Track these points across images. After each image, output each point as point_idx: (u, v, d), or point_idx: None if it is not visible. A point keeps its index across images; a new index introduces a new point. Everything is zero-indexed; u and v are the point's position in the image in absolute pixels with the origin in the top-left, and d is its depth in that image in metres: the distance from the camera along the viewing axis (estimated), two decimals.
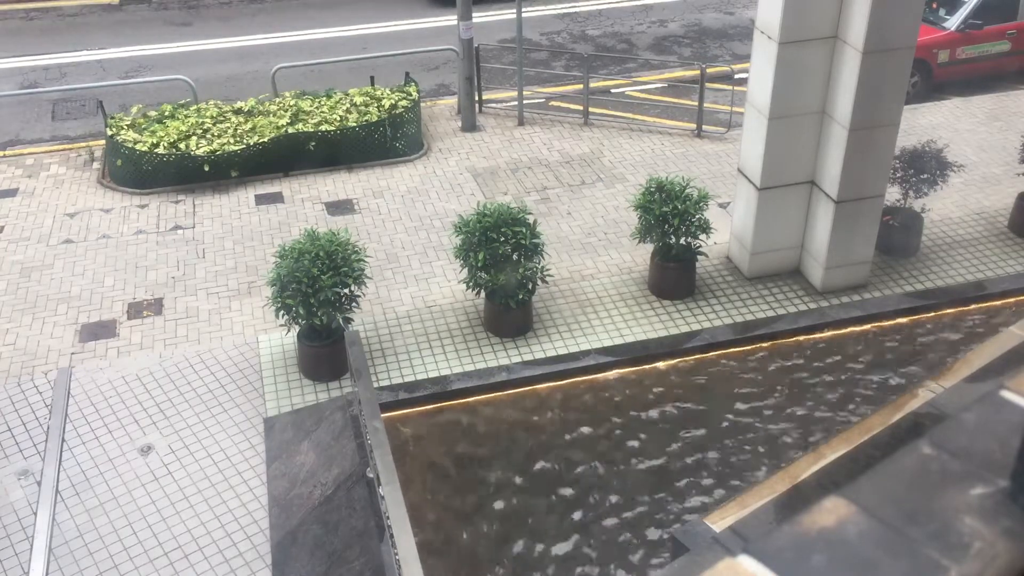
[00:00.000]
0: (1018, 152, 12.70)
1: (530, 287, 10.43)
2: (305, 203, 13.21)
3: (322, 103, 14.30)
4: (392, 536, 7.06)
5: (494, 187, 13.57)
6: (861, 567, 5.52)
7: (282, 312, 9.75)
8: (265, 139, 13.53)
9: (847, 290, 11.26)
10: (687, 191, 10.73)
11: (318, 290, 9.52)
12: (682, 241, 10.95)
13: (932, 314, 11.05)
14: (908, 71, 10.30)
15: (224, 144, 13.46)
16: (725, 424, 9.69)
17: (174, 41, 18.91)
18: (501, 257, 10.14)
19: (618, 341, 10.57)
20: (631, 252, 11.96)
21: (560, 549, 8.45)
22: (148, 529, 8.55)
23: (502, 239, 10.09)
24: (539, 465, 9.26)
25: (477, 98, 15.47)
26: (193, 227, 12.68)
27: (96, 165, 14.14)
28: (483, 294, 10.59)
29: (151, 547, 8.39)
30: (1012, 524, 5.58)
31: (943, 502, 5.81)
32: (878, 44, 9.86)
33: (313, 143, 13.72)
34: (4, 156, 14.65)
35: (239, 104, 14.29)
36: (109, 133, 13.63)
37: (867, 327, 10.87)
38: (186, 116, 13.92)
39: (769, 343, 10.65)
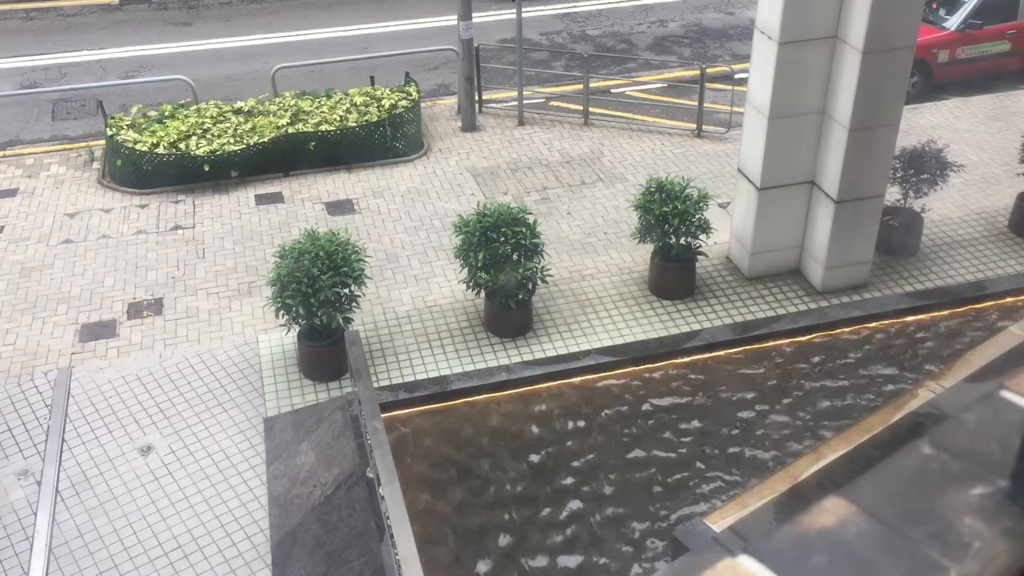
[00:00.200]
0: (1018, 152, 12.71)
1: (530, 287, 10.43)
2: (305, 203, 13.21)
3: (322, 103, 14.30)
4: (392, 536, 7.06)
5: (494, 187, 13.58)
6: (861, 567, 5.52)
7: (282, 312, 9.75)
8: (265, 139, 13.53)
9: (847, 290, 11.26)
10: (687, 191, 10.74)
11: (318, 290, 9.52)
12: (682, 241, 10.95)
13: (932, 314, 11.05)
14: (908, 71, 10.30)
15: (224, 144, 13.46)
16: (725, 424, 9.68)
17: (174, 41, 18.91)
18: (501, 257, 10.14)
19: (618, 341, 10.57)
20: (631, 252, 11.96)
21: (559, 548, 8.45)
22: (148, 529, 8.55)
23: (502, 239, 10.09)
24: (539, 465, 9.25)
25: (477, 98, 15.47)
26: (193, 227, 12.68)
27: (96, 165, 14.14)
28: (483, 294, 10.59)
29: (151, 547, 8.39)
30: (1012, 524, 5.58)
31: (943, 502, 5.81)
32: (878, 44, 9.86)
33: (313, 143, 13.72)
34: (4, 156, 14.66)
35: (239, 104, 14.29)
36: (109, 133, 13.63)
37: (867, 327, 10.87)
38: (186, 116, 13.92)
39: (769, 343, 10.64)
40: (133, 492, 8.89)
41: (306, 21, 19.74)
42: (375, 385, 9.63)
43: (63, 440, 9.44)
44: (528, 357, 10.36)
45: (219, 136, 13.59)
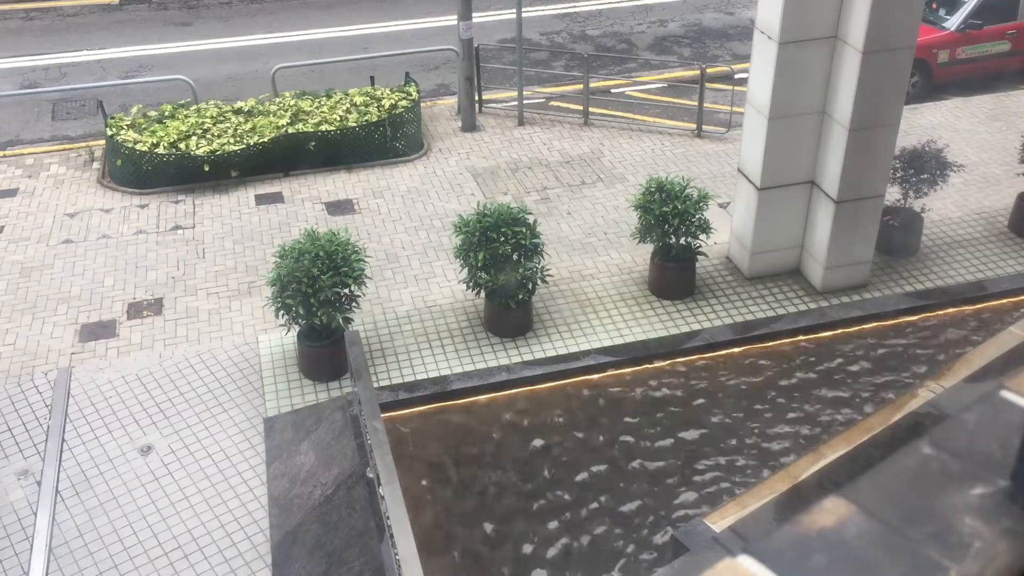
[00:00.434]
0: (1018, 152, 12.71)
1: (530, 287, 10.43)
2: (305, 203, 13.22)
3: (322, 103, 14.31)
4: (392, 536, 7.06)
5: (494, 187, 13.58)
6: (861, 567, 5.52)
7: (282, 312, 9.76)
8: (265, 139, 13.53)
9: (847, 290, 11.26)
10: (687, 191, 10.74)
11: (318, 290, 9.52)
12: (682, 241, 10.95)
13: (932, 314, 11.05)
14: (908, 71, 10.30)
15: (224, 144, 13.46)
16: (725, 424, 9.68)
17: (174, 41, 18.91)
18: (501, 257, 10.15)
19: (618, 341, 10.57)
20: (631, 252, 11.96)
21: (559, 548, 8.45)
22: (148, 529, 8.55)
23: (502, 239, 10.09)
24: (539, 465, 9.25)
25: (477, 98, 15.47)
26: (193, 227, 12.68)
27: (96, 165, 14.14)
28: (483, 294, 10.59)
29: (151, 547, 8.39)
30: (1012, 524, 5.58)
31: (943, 502, 5.81)
32: (878, 44, 9.86)
33: (313, 143, 13.73)
34: (4, 156, 14.66)
35: (239, 104, 14.29)
36: (109, 133, 13.63)
37: (867, 327, 10.87)
38: (186, 116, 13.92)
39: (769, 343, 10.64)
40: (133, 492, 8.89)
41: (306, 21, 19.74)
42: (375, 385, 9.63)
43: (63, 440, 9.44)
44: (528, 357, 10.36)
45: (219, 136, 13.59)
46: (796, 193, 11.10)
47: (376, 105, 14.27)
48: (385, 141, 14.09)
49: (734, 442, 9.48)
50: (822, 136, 10.74)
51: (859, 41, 9.87)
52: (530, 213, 10.66)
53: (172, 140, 13.42)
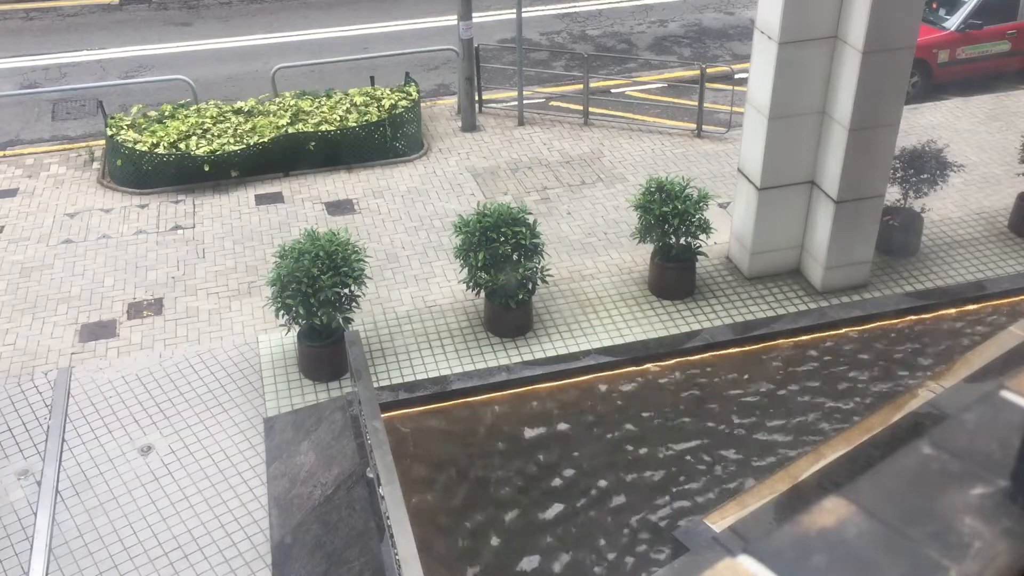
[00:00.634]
0: (1018, 152, 12.71)
1: (530, 287, 10.43)
2: (305, 203, 13.22)
3: (322, 103, 14.31)
4: (392, 536, 7.06)
5: (494, 187, 13.58)
6: (861, 567, 5.53)
7: (282, 312, 9.76)
8: (265, 139, 13.53)
9: (847, 290, 11.26)
10: (687, 191, 10.74)
11: (318, 290, 9.52)
12: (682, 241, 10.95)
13: (932, 314, 11.05)
14: (908, 71, 10.30)
15: (224, 144, 13.46)
16: (725, 424, 9.68)
17: (174, 41, 18.91)
18: (501, 257, 10.15)
19: (618, 341, 10.57)
20: (631, 252, 11.96)
21: (558, 547, 8.45)
22: (148, 529, 8.55)
23: (502, 239, 10.10)
24: (539, 464, 9.25)
25: (477, 98, 15.47)
26: (193, 227, 12.68)
27: (96, 165, 14.14)
28: (483, 294, 10.59)
29: (151, 547, 8.39)
30: (1012, 524, 5.58)
31: (943, 502, 5.81)
32: (878, 44, 9.86)
33: (313, 143, 13.73)
34: (4, 156, 14.66)
35: (239, 104, 14.29)
36: (109, 133, 13.63)
37: (867, 327, 10.87)
38: (186, 116, 13.92)
39: (769, 343, 10.65)
40: (133, 492, 8.89)
41: (306, 21, 19.74)
42: (375, 385, 9.63)
43: (63, 440, 9.44)
44: (528, 357, 10.36)
45: (219, 136, 13.59)
46: (796, 193, 11.11)
47: (376, 105, 14.27)
48: (385, 141, 14.09)
49: (734, 442, 9.48)
50: (822, 136, 10.74)
51: (859, 41, 9.87)
52: (530, 213, 10.66)
53: (172, 140, 13.42)
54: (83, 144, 14.84)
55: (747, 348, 10.57)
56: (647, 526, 8.62)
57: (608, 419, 9.73)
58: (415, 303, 11.21)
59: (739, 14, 19.98)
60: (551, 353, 10.42)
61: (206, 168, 13.34)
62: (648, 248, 11.44)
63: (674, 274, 11.14)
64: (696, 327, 10.78)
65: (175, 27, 19.64)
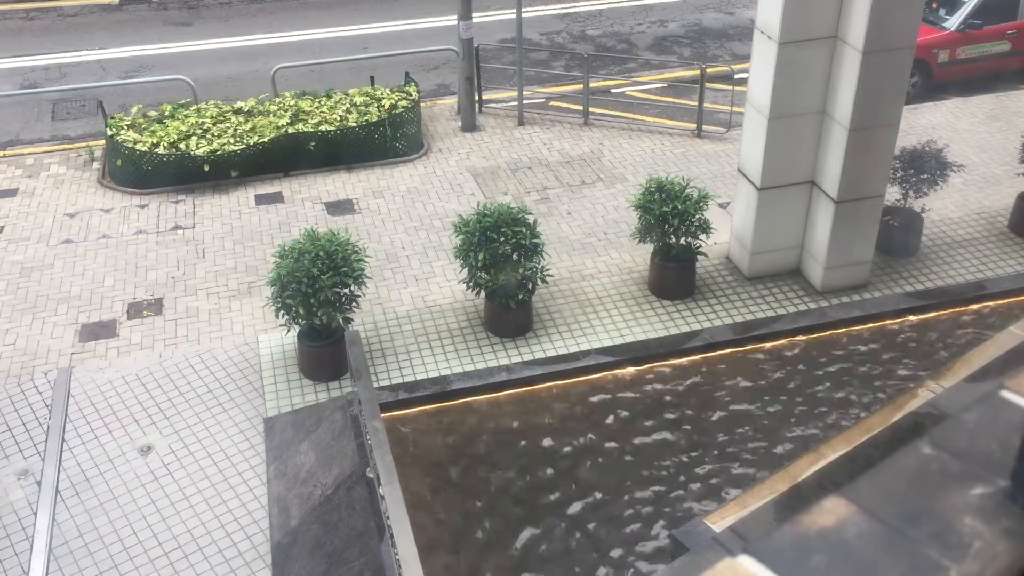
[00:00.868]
0: (1018, 152, 12.71)
1: (530, 287, 10.43)
2: (305, 203, 13.22)
3: (322, 103, 14.30)
4: (392, 536, 7.06)
5: (494, 187, 13.58)
6: (861, 567, 5.52)
7: (282, 312, 9.76)
8: (265, 139, 13.53)
9: (847, 290, 11.26)
10: (687, 191, 10.74)
11: (318, 290, 9.52)
12: (682, 241, 10.95)
13: (932, 314, 11.04)
14: (908, 71, 10.30)
15: (224, 144, 13.46)
16: (724, 424, 9.68)
17: (174, 41, 18.91)
18: (501, 257, 10.15)
19: (618, 341, 10.57)
20: (631, 252, 11.96)
21: (558, 547, 8.45)
22: (148, 529, 8.55)
23: (502, 239, 10.09)
24: (539, 464, 9.25)
25: (477, 98, 15.47)
26: (193, 227, 12.68)
27: (96, 165, 14.14)
28: (483, 294, 10.59)
29: (151, 547, 8.39)
30: (1012, 524, 5.58)
31: (943, 502, 5.81)
32: (878, 44, 9.86)
33: (313, 143, 13.73)
34: (4, 156, 14.66)
35: (239, 104, 14.29)
36: (109, 133, 13.63)
37: (867, 327, 10.87)
38: (186, 116, 13.92)
39: (769, 343, 10.64)
40: (133, 492, 8.90)
41: (306, 21, 19.74)
42: (375, 385, 9.63)
43: (63, 440, 9.44)
44: (528, 357, 10.36)
45: (219, 136, 13.59)
46: (796, 193, 11.10)
47: (376, 105, 14.27)
48: (385, 141, 14.09)
49: (733, 441, 9.48)
50: (822, 136, 10.74)
51: (859, 41, 9.87)
52: (530, 213, 10.66)
53: (172, 140, 13.42)
54: (83, 144, 14.84)
55: (747, 348, 10.56)
56: (646, 524, 8.62)
57: (608, 419, 9.72)
58: (415, 303, 11.21)
59: (739, 14, 19.98)
60: (551, 353, 10.42)
61: (206, 168, 13.34)
62: (648, 248, 11.44)
63: (674, 274, 11.14)
64: (696, 327, 10.78)
65: (175, 27, 19.64)
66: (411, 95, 14.55)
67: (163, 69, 17.09)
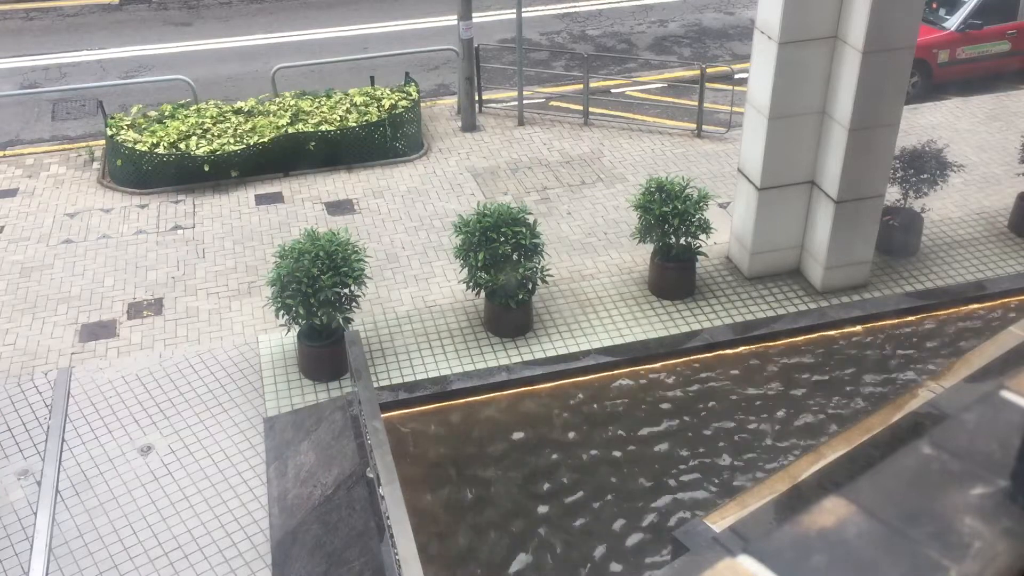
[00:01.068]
0: (1018, 152, 12.71)
1: (530, 287, 10.43)
2: (305, 203, 13.22)
3: (322, 103, 14.31)
4: (392, 536, 7.06)
5: (494, 187, 13.58)
6: (861, 567, 5.53)
7: (282, 312, 9.75)
8: (265, 139, 13.53)
9: (847, 290, 11.26)
10: (687, 191, 10.74)
11: (318, 290, 9.52)
12: (682, 241, 10.95)
13: (932, 314, 11.05)
14: (908, 71, 10.30)
15: (224, 144, 13.46)
16: (723, 424, 9.68)
17: (174, 41, 18.91)
18: (501, 257, 10.15)
19: (618, 341, 10.57)
20: (631, 252, 11.96)
21: (558, 547, 8.45)
22: (148, 529, 8.55)
23: (502, 239, 10.09)
24: (539, 464, 9.25)
25: (477, 98, 15.47)
26: (193, 227, 12.68)
27: (96, 165, 14.14)
28: (483, 294, 10.59)
29: (151, 547, 8.39)
30: (1012, 524, 5.58)
31: (943, 502, 5.81)
32: (878, 44, 9.86)
33: (313, 143, 13.73)
34: (4, 156, 14.66)
35: (239, 104, 14.29)
36: (109, 133, 13.63)
37: (867, 327, 10.87)
38: (186, 116, 13.92)
39: (769, 343, 10.64)
40: (133, 492, 8.90)
41: (306, 21, 19.74)
42: (375, 385, 9.63)
43: (63, 440, 9.44)
44: (528, 357, 10.36)
45: (219, 136, 13.59)
46: (796, 193, 11.10)
47: (376, 105, 14.27)
48: (385, 141, 14.09)
49: (733, 441, 9.48)
50: (822, 136, 10.74)
51: (859, 41, 9.87)
52: (530, 213, 10.66)
53: (172, 140, 13.42)
54: (83, 144, 14.84)
55: (747, 348, 10.56)
56: (646, 525, 8.62)
57: (608, 419, 9.72)
58: (415, 303, 11.21)
59: (739, 14, 19.98)
60: (551, 353, 10.42)
61: (206, 168, 13.34)
62: (648, 248, 11.44)
63: (674, 274, 11.14)
64: (696, 327, 10.78)
65: (175, 27, 19.64)
66: (411, 95, 14.55)
67: (163, 69, 17.09)
